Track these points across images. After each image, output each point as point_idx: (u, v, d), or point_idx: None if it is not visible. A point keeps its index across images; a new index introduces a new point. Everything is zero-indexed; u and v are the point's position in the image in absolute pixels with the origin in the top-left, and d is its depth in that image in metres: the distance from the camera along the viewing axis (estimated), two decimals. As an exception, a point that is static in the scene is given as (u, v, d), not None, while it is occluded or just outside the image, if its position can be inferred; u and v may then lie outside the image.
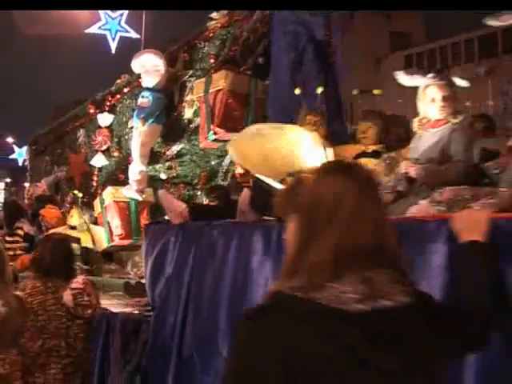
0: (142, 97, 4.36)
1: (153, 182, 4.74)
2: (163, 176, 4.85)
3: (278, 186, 2.50)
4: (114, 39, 9.12)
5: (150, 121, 4.32)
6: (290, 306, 0.90)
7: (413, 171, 2.48)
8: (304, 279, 0.91)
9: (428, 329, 0.97)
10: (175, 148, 4.59)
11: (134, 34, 9.12)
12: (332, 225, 0.95)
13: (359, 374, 0.86)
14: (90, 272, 4.68)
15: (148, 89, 4.34)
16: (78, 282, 2.73)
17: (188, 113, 4.23)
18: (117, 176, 4.83)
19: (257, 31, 3.76)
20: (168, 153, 4.63)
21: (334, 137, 3.42)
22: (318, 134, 2.84)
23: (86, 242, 4.63)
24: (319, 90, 3.20)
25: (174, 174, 4.93)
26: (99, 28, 9.13)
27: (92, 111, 5.07)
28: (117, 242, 4.57)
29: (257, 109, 3.82)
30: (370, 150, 3.04)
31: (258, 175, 2.64)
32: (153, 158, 4.62)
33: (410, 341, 0.93)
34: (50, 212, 4.78)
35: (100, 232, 4.74)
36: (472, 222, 1.37)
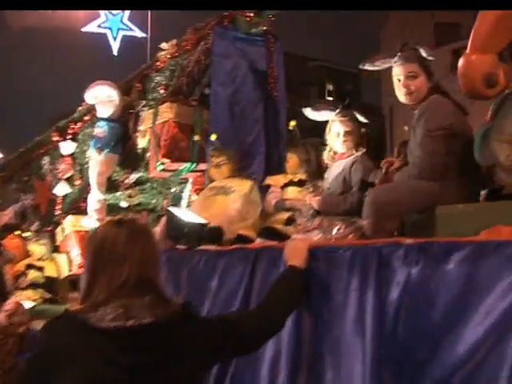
0: (98, 127, 5.01)
1: (113, 210, 5.35)
2: (124, 204, 5.46)
3: (192, 218, 3.07)
4: (115, 39, 8.34)
5: (106, 150, 4.95)
6: (66, 321, 1.48)
7: (314, 202, 3.01)
8: (88, 304, 1.48)
9: (183, 338, 1.49)
10: (133, 176, 5.19)
11: (138, 33, 8.31)
12: (109, 263, 1.51)
13: (105, 369, 1.40)
14: (53, 301, 5.32)
15: (103, 119, 4.98)
16: (11, 303, 3.35)
17: (142, 142, 4.82)
18: (79, 205, 5.46)
19: (200, 62, 4.34)
20: (126, 181, 5.23)
21: (271, 167, 3.99)
22: (222, 172, 3.44)
23: (50, 270, 5.27)
24: (213, 137, 3.77)
25: (136, 202, 5.54)
26: (98, 26, 8.36)
27: (56, 139, 5.75)
28: (76, 270, 5.18)
29: (202, 139, 4.38)
30: (296, 179, 3.57)
31: (169, 208, 3.22)
32: (111, 186, 5.24)
33: (161, 347, 1.46)
34: (11, 242, 5.45)
35: (62, 260, 5.38)
36: (295, 251, 1.94)
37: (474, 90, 2.38)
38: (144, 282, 1.52)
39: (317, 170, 3.49)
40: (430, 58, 2.62)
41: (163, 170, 4.52)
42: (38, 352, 1.48)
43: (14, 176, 6.40)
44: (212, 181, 3.70)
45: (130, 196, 5.48)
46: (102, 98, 4.90)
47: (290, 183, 3.53)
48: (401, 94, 2.59)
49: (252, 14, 4.16)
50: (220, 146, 3.79)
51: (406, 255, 1.73)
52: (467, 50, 2.43)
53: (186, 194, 5.16)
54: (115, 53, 8.43)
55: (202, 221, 3.12)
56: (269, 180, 3.75)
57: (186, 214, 3.14)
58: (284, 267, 1.98)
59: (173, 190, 5.33)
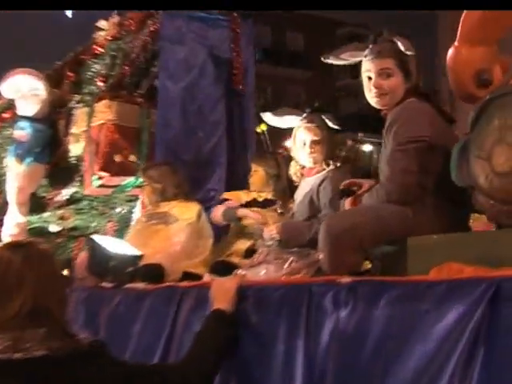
0: (19, 128, 5.64)
1: (40, 235, 5.97)
2: (54, 228, 6.08)
3: (123, 249, 3.69)
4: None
5: (29, 159, 5.57)
6: None
7: (274, 230, 3.59)
8: None
9: (81, 378, 2.05)
10: (66, 192, 5.80)
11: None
12: (0, 291, 2.08)
13: None
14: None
15: (26, 118, 5.61)
16: None
17: (75, 149, 5.45)
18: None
19: (147, 48, 4.96)
20: (57, 198, 5.85)
21: (235, 182, 4.59)
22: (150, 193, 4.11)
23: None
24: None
25: (71, 225, 6.16)
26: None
27: (-34, 142, 6.39)
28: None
29: (151, 144, 5.00)
30: (261, 199, 4.16)
31: (93, 236, 3.84)
32: (37, 205, 5.86)
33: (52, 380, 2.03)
34: None
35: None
36: (222, 291, 2.51)
37: (464, 91, 2.91)
38: (40, 313, 1.97)
39: (288, 189, 4.08)
40: (409, 53, 3.14)
41: (101, 185, 5.12)
42: None
43: None
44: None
45: (62, 218, 6.09)
46: (24, 91, 5.51)
47: (253, 203, 4.11)
48: (371, 96, 2.98)
49: (207, -11, 4.77)
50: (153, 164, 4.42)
51: (335, 296, 2.28)
52: (456, 41, 2.99)
53: (136, 215, 5.77)
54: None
55: (136, 252, 3.72)
56: (226, 195, 4.34)
57: (114, 244, 3.74)
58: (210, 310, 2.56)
59: (118, 210, 5.94)
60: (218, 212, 4.12)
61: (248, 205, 4.17)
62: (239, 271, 3.06)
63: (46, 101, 5.58)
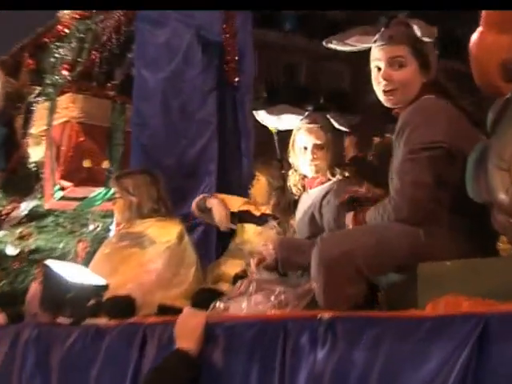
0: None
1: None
2: (12, 250, 6.23)
3: (83, 277, 3.81)
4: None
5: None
6: None
7: (267, 252, 3.67)
8: None
9: None
10: (25, 206, 5.96)
11: None
12: None
13: None
14: None
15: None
16: None
17: (35, 153, 5.60)
18: None
19: (121, 29, 5.11)
20: (14, 214, 6.01)
21: (226, 190, 4.70)
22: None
23: None
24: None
25: (33, 247, 6.31)
26: None
27: None
28: None
29: (126, 147, 5.14)
30: (258, 213, 4.27)
31: (47, 262, 3.96)
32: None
33: None
34: None
35: None
36: (185, 328, 2.65)
37: (489, 83, 3.00)
38: None
39: (292, 205, 4.19)
40: (428, 40, 3.25)
41: (63, 197, 5.26)
42: None
43: None
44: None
45: (21, 237, 6.25)
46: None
47: (248, 216, 4.23)
48: (379, 91, 3.05)
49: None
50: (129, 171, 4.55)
51: (312, 335, 2.40)
52: (480, 25, 3.08)
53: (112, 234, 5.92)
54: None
55: (100, 281, 3.84)
56: (225, 199, 4.43)
57: (74, 271, 3.86)
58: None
59: (91, 227, 6.09)
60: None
61: (241, 217, 4.29)
62: (217, 303, 3.17)
63: (0, 94, 5.74)
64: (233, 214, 4.32)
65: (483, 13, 3.10)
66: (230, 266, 4.21)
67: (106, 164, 5.21)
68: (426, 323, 2.08)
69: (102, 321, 3.60)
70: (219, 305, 3.20)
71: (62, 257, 6.32)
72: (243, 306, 3.10)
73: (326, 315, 2.47)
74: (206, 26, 5.01)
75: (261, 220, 4.25)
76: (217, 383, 2.65)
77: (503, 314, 1.97)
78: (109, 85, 5.33)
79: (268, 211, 4.27)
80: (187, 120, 4.90)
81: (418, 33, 3.04)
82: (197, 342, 2.66)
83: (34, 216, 6.06)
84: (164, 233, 4.25)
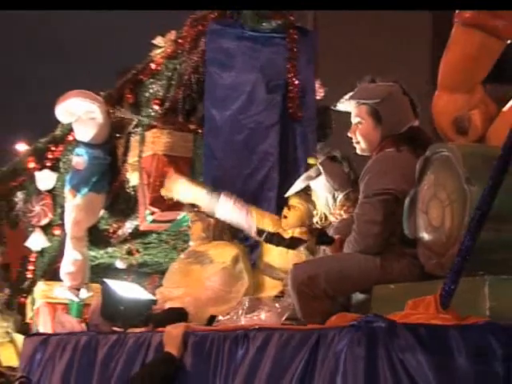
0: (77, 155, 7.35)
1: (107, 272, 7.64)
2: (121, 265, 7.74)
3: (135, 294, 5.23)
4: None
5: (85, 190, 7.27)
6: None
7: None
8: None
9: None
10: (129, 225, 7.43)
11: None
12: None
13: None
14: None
15: (83, 144, 7.31)
16: None
17: (133, 179, 7.05)
18: (58, 266, 7.84)
19: (199, 70, 6.45)
20: (120, 232, 7.50)
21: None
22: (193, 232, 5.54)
23: (7, 358, 7.73)
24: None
25: (140, 261, 7.81)
26: None
27: (32, 166, 8.26)
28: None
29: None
30: (287, 235, 5.45)
31: (106, 281, 5.39)
32: (99, 239, 7.55)
33: None
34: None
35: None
36: (169, 337, 4.01)
37: (446, 136, 4.17)
38: None
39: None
40: (377, 100, 4.17)
41: (154, 221, 6.68)
42: None
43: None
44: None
45: (129, 253, 7.75)
46: (80, 114, 7.22)
47: (277, 237, 5.37)
48: None
49: (257, 5, 6.19)
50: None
51: (237, 342, 3.65)
52: (437, 88, 4.25)
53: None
54: None
55: (149, 297, 5.23)
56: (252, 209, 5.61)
57: (128, 288, 5.27)
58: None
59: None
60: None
61: (268, 238, 5.44)
62: (218, 318, 4.51)
63: (104, 125, 7.24)
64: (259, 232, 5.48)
65: (439, 77, 4.29)
66: (270, 287, 5.43)
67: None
68: (282, 334, 3.33)
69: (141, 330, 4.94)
70: (222, 319, 4.55)
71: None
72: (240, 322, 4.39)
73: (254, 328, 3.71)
74: (270, 67, 6.28)
75: (290, 242, 5.33)
76: (185, 377, 3.95)
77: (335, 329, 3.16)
78: (192, 119, 6.61)
79: (297, 235, 5.36)
80: (250, 152, 6.21)
81: (375, 93, 4.20)
82: (177, 347, 3.97)
83: (137, 234, 7.48)
84: (221, 254, 5.61)
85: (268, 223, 5.56)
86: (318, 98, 6.65)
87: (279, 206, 6.07)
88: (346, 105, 4.34)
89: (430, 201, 3.75)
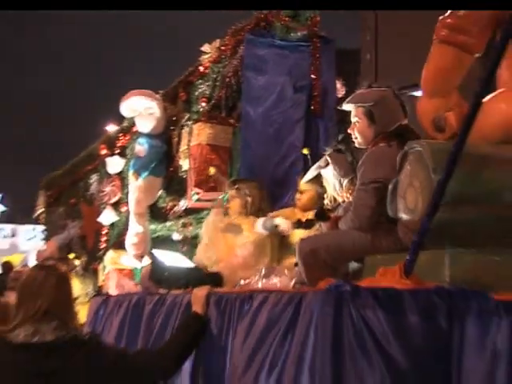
0: (138, 144, 7.76)
1: (165, 243, 8.04)
2: (177, 237, 8.13)
3: (177, 262, 5.61)
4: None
5: (145, 173, 7.67)
6: None
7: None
8: (9, 327, 4.08)
9: (75, 356, 3.99)
10: (183, 203, 7.81)
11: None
12: (26, 297, 4.08)
13: (15, 376, 3.97)
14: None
15: (144, 135, 7.71)
16: None
17: (185, 164, 7.43)
18: (124, 237, 8.27)
19: (237, 73, 6.79)
20: (176, 209, 7.88)
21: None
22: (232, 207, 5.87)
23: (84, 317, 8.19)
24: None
25: (193, 234, 8.18)
26: None
27: (104, 152, 8.71)
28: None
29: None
30: (304, 219, 5.80)
31: (154, 251, 5.78)
32: (159, 215, 7.95)
33: (57, 359, 3.96)
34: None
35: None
36: (195, 298, 4.38)
37: (428, 135, 4.48)
38: (52, 314, 3.83)
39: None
40: (369, 104, 4.54)
41: (198, 199, 7.05)
42: None
43: (61, 196, 9.56)
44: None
45: (183, 226, 8.12)
46: (140, 110, 7.62)
47: (297, 223, 5.76)
48: None
49: (287, 18, 6.49)
50: (237, 179, 6.21)
51: (244, 301, 3.97)
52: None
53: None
54: None
55: (189, 264, 5.59)
56: (279, 213, 5.99)
57: (170, 258, 5.64)
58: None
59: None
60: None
61: (293, 225, 5.79)
62: (240, 282, 4.86)
63: (161, 119, 7.64)
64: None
65: (421, 84, 4.57)
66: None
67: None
68: (271, 295, 3.68)
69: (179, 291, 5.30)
70: (242, 283, 4.90)
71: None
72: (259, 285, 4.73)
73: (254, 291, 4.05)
74: (297, 71, 6.59)
75: (307, 225, 5.68)
76: (210, 331, 4.31)
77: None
78: (232, 115, 6.97)
79: (311, 217, 5.64)
80: (279, 143, 6.53)
81: (366, 98, 4.55)
82: (202, 306, 4.33)
83: (191, 210, 7.83)
84: (253, 226, 5.89)
85: (285, 216, 5.91)
86: (339, 96, 6.85)
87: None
88: (347, 106, 4.65)
89: (407, 188, 4.03)
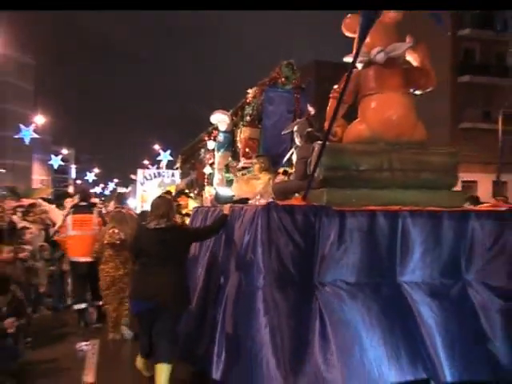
0: (219, 135, 10.89)
1: (231, 183, 11.11)
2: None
3: (226, 193, 8.77)
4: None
5: (222, 150, 10.80)
6: (141, 226, 7.31)
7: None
8: (147, 221, 7.25)
9: (175, 234, 7.12)
10: (240, 164, 10.86)
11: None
12: (153, 209, 7.23)
13: (150, 242, 7.11)
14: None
15: (221, 131, 10.83)
16: None
17: (239, 146, 10.47)
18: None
19: (262, 105, 9.75)
20: (237, 166, 10.95)
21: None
22: (256, 168, 8.93)
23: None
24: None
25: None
26: None
27: (206, 138, 11.90)
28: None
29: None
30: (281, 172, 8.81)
31: (216, 187, 8.91)
32: (227, 169, 11.07)
33: (168, 235, 7.11)
34: (183, 199, 11.87)
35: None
36: (225, 208, 7.45)
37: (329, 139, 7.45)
38: (164, 215, 7.11)
39: None
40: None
41: (244, 164, 10.10)
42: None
43: (188, 158, 12.88)
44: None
45: (242, 174, 11.20)
46: (220, 119, 10.71)
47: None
48: None
49: (284, 79, 9.40)
50: (259, 155, 9.23)
51: (240, 213, 6.93)
52: None
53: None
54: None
55: (231, 194, 8.70)
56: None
57: (223, 191, 8.75)
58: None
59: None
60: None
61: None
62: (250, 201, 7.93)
63: (229, 123, 10.72)
64: None
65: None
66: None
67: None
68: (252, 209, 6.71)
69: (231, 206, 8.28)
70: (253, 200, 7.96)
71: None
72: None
73: (259, 203, 7.12)
74: (289, 104, 9.48)
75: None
76: (228, 232, 7.22)
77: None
78: (259, 124, 9.97)
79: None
80: (279, 138, 9.35)
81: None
82: (228, 211, 7.24)
83: (244, 167, 10.79)
84: (264, 176, 8.86)
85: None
86: (311, 113, 9.71)
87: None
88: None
89: (312, 161, 6.99)
